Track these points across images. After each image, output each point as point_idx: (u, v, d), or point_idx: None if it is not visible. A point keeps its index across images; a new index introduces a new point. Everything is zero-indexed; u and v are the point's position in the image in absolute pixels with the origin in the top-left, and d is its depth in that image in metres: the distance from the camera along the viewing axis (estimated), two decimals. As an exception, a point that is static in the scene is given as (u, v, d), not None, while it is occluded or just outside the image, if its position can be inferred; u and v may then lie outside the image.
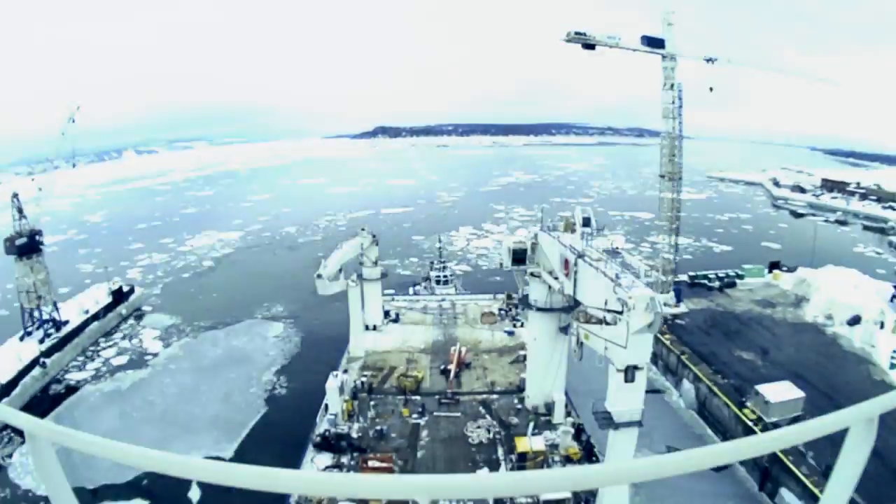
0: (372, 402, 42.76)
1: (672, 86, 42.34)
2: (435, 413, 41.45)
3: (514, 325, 57.27)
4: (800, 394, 40.02)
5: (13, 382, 49.09)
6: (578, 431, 38.01)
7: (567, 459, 35.64)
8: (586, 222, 36.92)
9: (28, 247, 60.16)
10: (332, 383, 40.25)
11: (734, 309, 62.06)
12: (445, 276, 74.28)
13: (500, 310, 61.86)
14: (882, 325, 52.05)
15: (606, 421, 27.47)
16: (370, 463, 34.43)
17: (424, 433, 39.19)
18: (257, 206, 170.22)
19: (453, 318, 60.89)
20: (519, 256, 40.80)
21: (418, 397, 43.36)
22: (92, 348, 62.59)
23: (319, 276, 44.42)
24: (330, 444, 37.14)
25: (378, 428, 39.24)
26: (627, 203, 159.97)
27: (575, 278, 31.94)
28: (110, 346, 63.57)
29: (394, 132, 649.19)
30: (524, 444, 35.54)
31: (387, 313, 60.02)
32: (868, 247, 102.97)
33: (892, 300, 56.12)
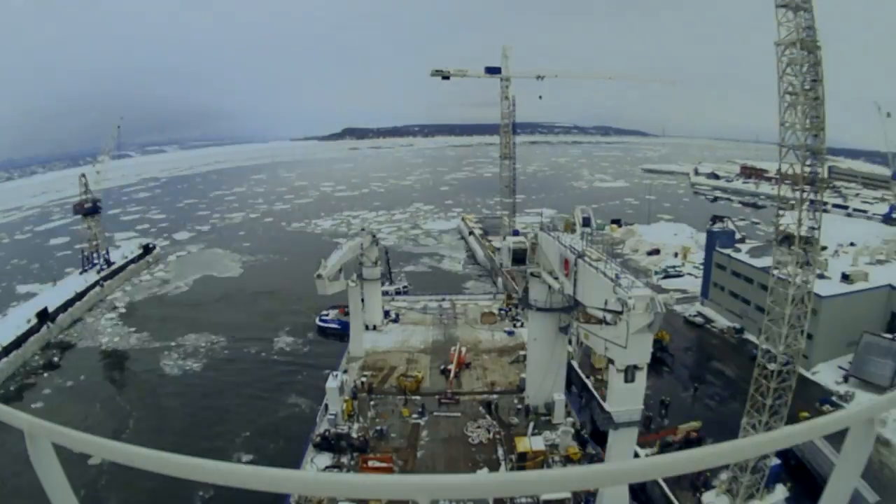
0: (372, 402, 42.74)
1: (507, 97, 53.28)
2: (435, 413, 41.42)
3: (514, 325, 57.24)
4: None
5: (81, 295, 75.79)
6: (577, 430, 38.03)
7: (567, 459, 35.64)
8: (586, 222, 37.02)
9: (91, 210, 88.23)
10: (332, 383, 40.22)
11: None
12: (405, 288, 71.64)
13: (500, 310, 61.84)
14: (676, 255, 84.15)
15: (606, 421, 27.47)
16: (370, 463, 34.44)
17: (424, 433, 39.17)
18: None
19: (453, 318, 60.88)
20: (519, 257, 40.81)
21: (418, 397, 43.33)
22: (134, 280, 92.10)
23: (319, 277, 44.27)
24: (330, 444, 37.13)
25: (378, 428, 39.22)
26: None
27: (575, 278, 31.94)
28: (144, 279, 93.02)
29: (361, 133, 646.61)
30: (524, 444, 35.53)
31: (387, 313, 59.99)
32: (746, 218, 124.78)
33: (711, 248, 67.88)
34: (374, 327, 56.63)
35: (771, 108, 26.99)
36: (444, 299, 66.63)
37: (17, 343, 59.04)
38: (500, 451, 36.80)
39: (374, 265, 55.37)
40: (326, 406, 40.42)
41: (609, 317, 27.13)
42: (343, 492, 2.14)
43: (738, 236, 68.18)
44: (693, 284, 70.76)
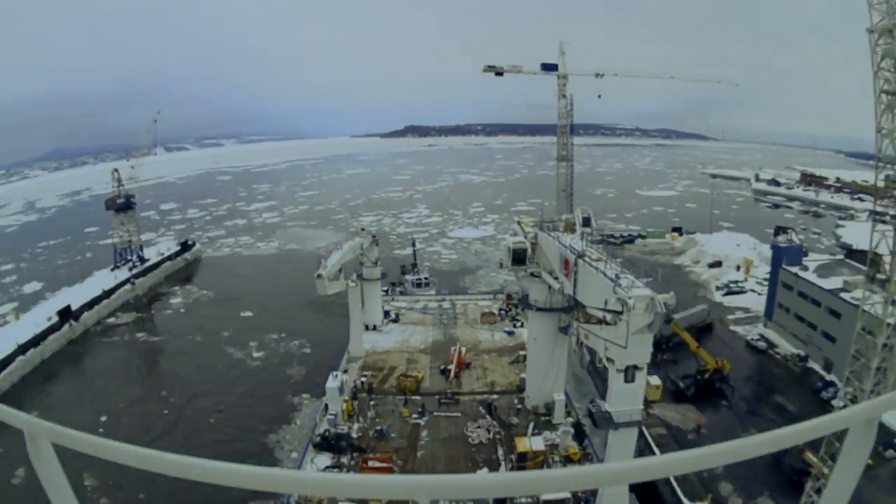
0: (372, 402, 42.74)
1: (565, 95, 50.92)
2: (435, 413, 41.42)
3: (514, 325, 57.22)
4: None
5: (111, 292, 74.98)
6: (578, 430, 38.02)
7: (567, 459, 35.64)
8: (586, 222, 37.03)
9: (124, 206, 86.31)
10: (332, 383, 40.21)
11: (622, 254, 67.56)
12: (426, 279, 72.90)
13: (500, 310, 61.80)
14: (738, 269, 78.60)
15: (606, 421, 27.44)
16: (370, 463, 34.43)
17: (424, 433, 39.16)
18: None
19: (453, 318, 60.85)
20: (519, 256, 40.81)
21: (418, 397, 43.33)
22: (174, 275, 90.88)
23: (319, 276, 44.24)
24: (330, 444, 37.12)
25: (378, 428, 39.22)
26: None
27: (575, 278, 31.94)
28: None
29: (423, 131, 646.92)
30: (524, 444, 35.52)
31: (387, 313, 59.98)
32: (806, 227, 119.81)
33: (777, 264, 62.40)
34: (374, 327, 56.63)
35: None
36: (444, 299, 66.63)
37: (35, 341, 58.14)
38: (500, 451, 36.80)
39: (375, 265, 55.38)
40: (326, 406, 40.42)
41: (609, 317, 27.13)
42: (343, 492, 2.13)
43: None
44: (756, 302, 64.84)
